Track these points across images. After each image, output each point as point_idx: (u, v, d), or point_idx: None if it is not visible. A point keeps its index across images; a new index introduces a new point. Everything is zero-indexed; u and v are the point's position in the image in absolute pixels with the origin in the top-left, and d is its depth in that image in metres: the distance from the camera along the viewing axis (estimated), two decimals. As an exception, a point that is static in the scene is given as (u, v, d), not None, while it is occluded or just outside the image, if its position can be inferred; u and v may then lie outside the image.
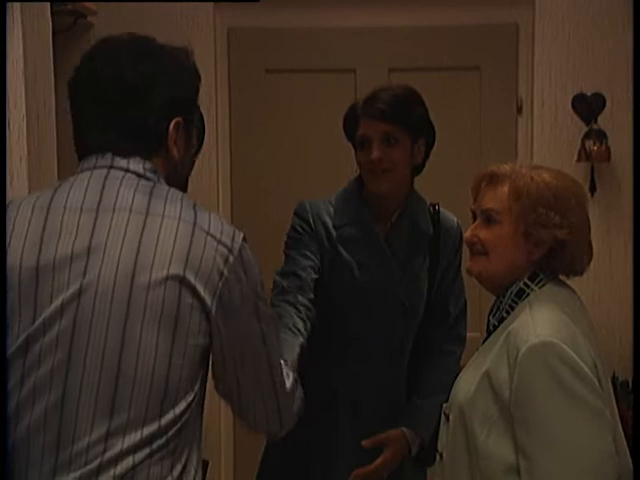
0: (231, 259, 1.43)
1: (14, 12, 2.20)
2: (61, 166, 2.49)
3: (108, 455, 1.36)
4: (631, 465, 1.66)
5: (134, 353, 1.37)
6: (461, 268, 2.32)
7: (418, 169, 2.28)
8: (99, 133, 1.49)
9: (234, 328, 1.44)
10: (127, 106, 1.47)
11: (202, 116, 1.61)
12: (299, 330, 1.99)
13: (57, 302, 1.38)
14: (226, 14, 3.49)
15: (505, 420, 1.59)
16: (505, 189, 1.70)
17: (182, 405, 1.41)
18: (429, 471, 2.30)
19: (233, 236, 1.45)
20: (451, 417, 1.72)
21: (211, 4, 3.44)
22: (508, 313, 1.70)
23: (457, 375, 1.81)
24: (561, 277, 1.75)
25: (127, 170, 1.47)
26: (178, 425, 1.41)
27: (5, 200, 1.83)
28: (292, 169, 3.52)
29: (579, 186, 1.75)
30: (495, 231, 1.70)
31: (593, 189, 3.35)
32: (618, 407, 1.71)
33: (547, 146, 3.41)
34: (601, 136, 3.33)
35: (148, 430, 1.38)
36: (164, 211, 1.42)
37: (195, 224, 1.42)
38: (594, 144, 3.32)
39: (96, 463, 1.36)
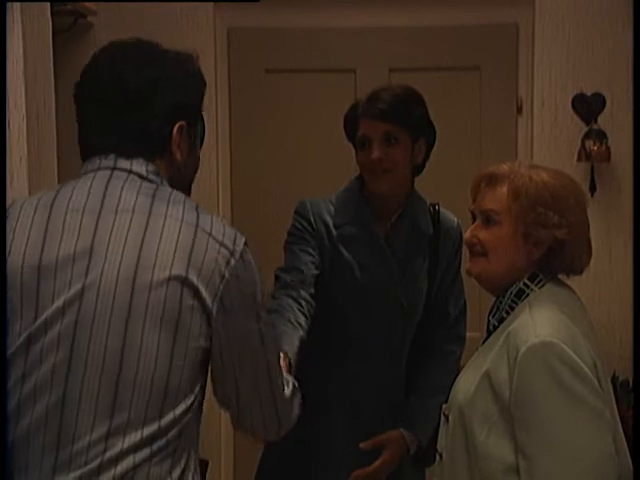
0: (233, 262, 1.43)
1: (14, 12, 2.20)
2: (61, 166, 2.49)
3: (108, 455, 1.36)
4: (631, 465, 1.66)
5: (135, 353, 1.37)
6: (461, 268, 2.32)
7: (418, 169, 2.29)
8: (103, 135, 1.49)
9: (233, 331, 1.44)
10: (131, 110, 1.48)
11: (203, 118, 1.61)
12: (300, 324, 2.00)
13: (59, 302, 1.39)
14: (226, 14, 3.49)
15: (505, 420, 1.59)
16: (504, 189, 1.70)
17: (182, 407, 1.41)
18: (428, 471, 2.30)
19: (235, 239, 1.45)
20: (451, 417, 1.72)
21: (211, 4, 3.44)
22: (508, 313, 1.71)
23: (457, 375, 1.81)
24: (561, 277, 1.75)
25: (130, 172, 1.47)
26: (178, 427, 1.41)
27: (5, 200, 1.83)
28: (292, 169, 3.52)
29: (578, 186, 1.75)
30: (494, 232, 1.70)
31: (593, 189, 3.35)
32: (618, 407, 1.71)
33: (547, 146, 3.41)
34: (601, 136, 3.33)
35: (148, 430, 1.38)
36: (166, 212, 1.43)
37: (197, 226, 1.43)
38: (594, 144, 3.32)
39: (96, 463, 1.36)
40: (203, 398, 1.48)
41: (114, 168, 1.47)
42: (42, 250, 1.41)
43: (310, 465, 2.26)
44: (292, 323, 1.98)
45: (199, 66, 1.58)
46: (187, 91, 1.54)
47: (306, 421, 1.68)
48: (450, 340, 2.35)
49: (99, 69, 1.52)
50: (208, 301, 1.40)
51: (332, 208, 2.27)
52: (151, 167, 1.49)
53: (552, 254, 1.70)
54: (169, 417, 1.40)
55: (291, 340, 1.90)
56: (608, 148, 3.33)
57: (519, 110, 3.49)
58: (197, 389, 1.45)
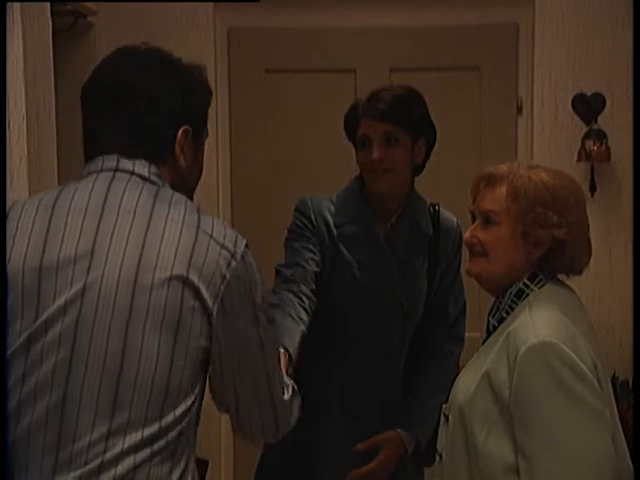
0: (234, 264, 1.43)
1: (14, 12, 2.20)
2: (61, 166, 2.49)
3: (109, 455, 1.36)
4: (631, 465, 1.66)
5: (136, 353, 1.37)
6: (461, 269, 2.32)
7: (418, 169, 2.29)
8: (107, 137, 1.50)
9: (233, 334, 1.45)
10: (136, 112, 1.49)
11: (207, 129, 1.63)
12: (301, 318, 1.99)
13: (60, 301, 1.39)
14: (226, 14, 3.49)
15: (505, 420, 1.59)
16: (503, 190, 1.70)
17: (182, 407, 1.41)
18: (428, 471, 2.30)
19: (236, 241, 1.46)
20: (450, 417, 1.72)
21: (211, 4, 3.44)
22: (508, 313, 1.71)
23: (456, 376, 1.81)
24: (560, 277, 1.75)
25: (132, 173, 1.48)
26: (178, 428, 1.41)
27: (5, 200, 1.83)
28: (292, 169, 3.52)
29: (577, 185, 1.75)
30: (494, 232, 1.70)
31: (593, 189, 3.35)
32: (618, 407, 1.71)
33: (547, 146, 3.41)
34: (601, 136, 3.33)
35: (149, 431, 1.38)
36: (168, 214, 1.43)
37: (199, 227, 1.43)
38: (594, 144, 3.32)
39: (97, 463, 1.36)
40: (202, 399, 1.48)
41: (116, 169, 1.48)
42: (43, 251, 1.41)
43: (309, 465, 2.26)
44: (293, 317, 1.98)
45: (206, 77, 1.60)
46: (193, 97, 1.55)
47: (305, 421, 1.68)
48: (449, 340, 2.35)
49: (107, 71, 1.53)
50: (209, 302, 1.41)
51: (332, 207, 2.27)
52: (153, 169, 1.50)
53: (552, 254, 1.70)
54: (169, 417, 1.40)
55: (292, 335, 1.90)
56: (608, 148, 3.33)
57: (519, 110, 3.49)
58: (197, 390, 1.45)
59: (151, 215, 1.42)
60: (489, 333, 1.75)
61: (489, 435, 1.61)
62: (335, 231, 2.23)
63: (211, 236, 1.43)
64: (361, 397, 2.27)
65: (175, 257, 1.39)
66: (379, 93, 2.20)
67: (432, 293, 2.31)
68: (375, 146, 2.17)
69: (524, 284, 1.70)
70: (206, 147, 1.65)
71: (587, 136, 3.35)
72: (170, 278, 1.38)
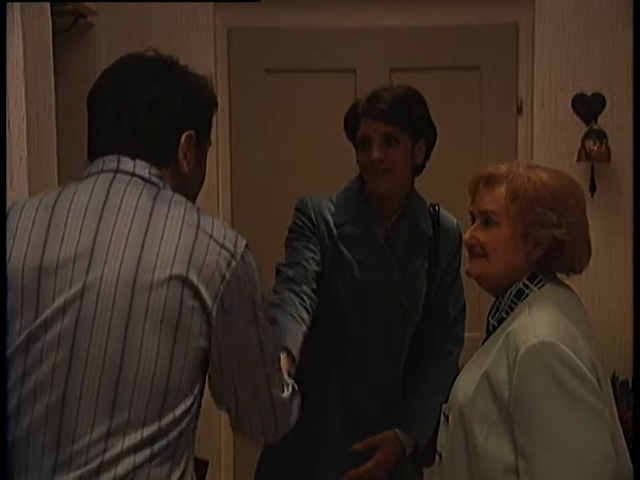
0: (233, 264, 1.43)
1: (14, 12, 2.20)
2: (61, 166, 2.49)
3: (109, 455, 1.36)
4: (630, 465, 1.66)
5: (135, 354, 1.37)
6: (460, 269, 2.32)
7: (418, 169, 2.28)
8: (110, 139, 1.51)
9: (232, 334, 1.45)
10: (141, 116, 1.49)
11: (210, 138, 1.64)
12: (302, 319, 1.99)
13: (59, 301, 1.39)
14: (226, 14, 3.49)
15: (504, 420, 1.59)
16: (502, 190, 1.69)
17: (182, 407, 1.41)
18: (427, 471, 2.30)
19: (236, 241, 1.46)
20: (450, 417, 1.72)
21: (211, 4, 3.44)
22: (507, 314, 1.70)
23: (455, 376, 1.81)
24: (560, 277, 1.75)
25: (133, 174, 1.48)
26: (178, 428, 1.41)
27: (5, 200, 1.83)
28: (292, 169, 3.52)
29: (577, 185, 1.75)
30: (494, 233, 1.70)
31: (593, 189, 3.35)
32: (618, 407, 1.71)
33: (547, 146, 3.41)
34: (601, 136, 3.33)
35: (148, 431, 1.38)
36: (168, 213, 1.43)
37: (199, 227, 1.43)
38: (594, 144, 3.32)
39: (96, 463, 1.36)
40: (201, 399, 1.49)
41: (117, 171, 1.48)
42: (43, 251, 1.41)
43: (309, 465, 2.26)
44: (294, 318, 1.97)
45: (213, 87, 1.62)
46: (199, 104, 1.57)
47: (305, 422, 1.69)
48: (449, 340, 2.35)
49: (109, 76, 1.54)
50: (208, 302, 1.41)
51: (332, 207, 2.27)
52: (154, 170, 1.50)
53: (552, 254, 1.69)
54: (169, 418, 1.40)
55: (294, 336, 1.90)
56: (608, 148, 3.33)
57: (519, 110, 3.49)
58: (197, 390, 1.45)
59: (151, 215, 1.43)
60: (489, 333, 1.75)
61: (489, 435, 1.61)
62: (335, 231, 2.23)
63: (211, 236, 1.43)
64: (361, 397, 2.27)
65: (175, 257, 1.40)
66: (379, 93, 2.20)
67: (432, 293, 2.31)
68: (375, 146, 2.17)
69: (524, 284, 1.70)
70: (207, 148, 1.65)
71: (587, 136, 3.35)
72: (169, 278, 1.38)
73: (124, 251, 1.40)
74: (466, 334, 2.39)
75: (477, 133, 3.49)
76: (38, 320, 1.39)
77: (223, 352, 1.45)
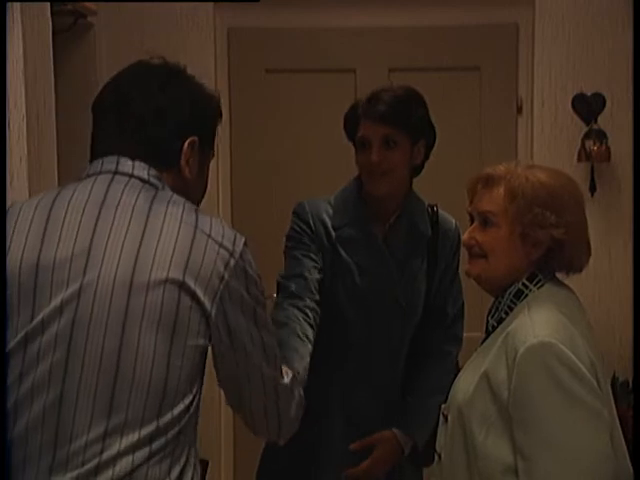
0: (232, 262, 1.44)
1: (14, 12, 2.20)
2: (61, 166, 2.49)
3: (106, 455, 1.36)
4: (630, 465, 1.66)
5: (132, 354, 1.37)
6: (459, 270, 2.32)
7: (417, 170, 2.28)
8: (109, 141, 1.52)
9: (233, 332, 1.45)
10: (145, 121, 1.50)
11: (214, 146, 1.65)
12: (307, 337, 1.99)
13: (56, 301, 1.39)
14: (226, 14, 3.49)
15: (503, 420, 1.59)
16: (501, 190, 1.69)
17: (180, 406, 1.41)
18: (427, 471, 2.30)
19: (234, 240, 1.46)
20: (450, 417, 1.72)
21: (211, 4, 3.44)
22: (507, 314, 1.70)
23: (454, 375, 1.81)
24: (560, 276, 1.75)
25: (131, 175, 1.48)
26: (177, 427, 1.41)
27: (5, 200, 1.83)
28: (292, 169, 3.52)
29: (575, 184, 1.74)
30: (492, 234, 1.70)
31: (593, 189, 3.35)
32: (618, 407, 1.71)
33: (547, 146, 3.42)
34: (601, 136, 3.33)
35: (146, 430, 1.38)
36: (166, 212, 1.43)
37: (196, 227, 1.43)
38: (594, 144, 3.32)
39: (94, 463, 1.36)
40: (200, 397, 1.49)
41: (116, 172, 1.49)
42: (40, 250, 1.41)
43: (310, 467, 2.26)
44: (300, 337, 1.96)
45: (219, 99, 1.63)
46: (205, 114, 1.58)
47: (306, 424, 1.69)
48: (448, 340, 2.35)
49: (115, 84, 1.55)
50: (207, 304, 1.41)
51: (330, 209, 2.26)
52: (153, 171, 1.50)
53: (551, 254, 1.69)
54: (167, 417, 1.40)
55: (302, 358, 1.89)
56: (608, 148, 3.33)
57: (519, 110, 3.49)
58: (195, 389, 1.45)
59: (148, 215, 1.43)
60: (488, 333, 1.75)
61: (488, 435, 1.61)
62: (333, 234, 2.23)
63: (209, 235, 1.43)
64: (361, 398, 2.26)
65: (172, 258, 1.40)
66: (379, 94, 2.19)
67: (431, 294, 2.30)
68: (374, 149, 2.16)
69: (523, 284, 1.70)
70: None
71: (587, 136, 3.35)
72: (166, 281, 1.38)
73: (121, 251, 1.40)
74: (466, 334, 2.39)
75: (477, 133, 3.49)
76: (35, 320, 1.39)
77: (225, 350, 1.45)
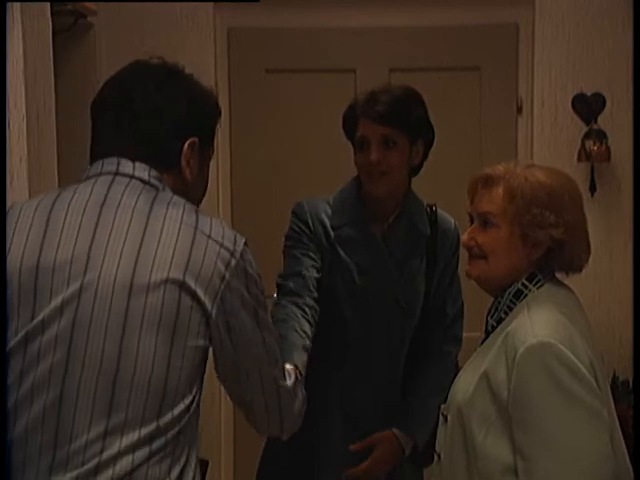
0: (233, 263, 1.44)
1: (14, 12, 2.20)
2: (61, 166, 2.49)
3: (106, 455, 1.36)
4: (629, 465, 1.67)
5: (132, 355, 1.38)
6: (458, 269, 2.32)
7: (416, 170, 2.28)
8: (109, 143, 1.52)
9: (234, 332, 1.45)
10: (144, 121, 1.50)
11: (213, 146, 1.65)
12: (305, 332, 2.00)
13: (56, 301, 1.39)
14: (226, 14, 3.49)
15: (503, 420, 1.59)
16: (500, 191, 1.69)
17: (181, 406, 1.41)
18: (426, 471, 2.30)
19: (235, 240, 1.46)
20: (449, 417, 1.72)
21: (211, 4, 3.44)
22: (506, 314, 1.70)
23: (454, 376, 1.81)
24: (560, 276, 1.75)
25: (132, 177, 1.49)
26: (177, 427, 1.41)
27: (5, 200, 1.83)
28: (292, 169, 3.52)
29: (574, 184, 1.74)
30: (492, 234, 1.70)
31: (593, 189, 3.35)
32: (618, 407, 1.71)
33: (547, 146, 3.42)
34: (601, 136, 3.33)
35: (146, 430, 1.38)
36: (166, 213, 1.44)
37: (197, 228, 1.43)
38: (594, 144, 3.32)
39: (94, 462, 1.36)
40: (201, 396, 1.49)
41: (116, 173, 1.49)
42: (40, 251, 1.41)
43: (310, 467, 2.26)
44: (298, 332, 1.97)
45: (217, 97, 1.63)
46: (203, 112, 1.58)
47: (306, 425, 1.68)
48: (447, 340, 2.35)
49: (113, 83, 1.55)
50: (207, 305, 1.41)
51: (329, 209, 2.26)
52: (153, 172, 1.50)
53: (551, 254, 1.69)
54: (167, 417, 1.40)
55: (300, 353, 1.89)
56: (608, 148, 3.33)
57: (519, 110, 3.49)
58: (195, 389, 1.45)
59: (149, 217, 1.43)
60: (488, 333, 1.75)
61: (488, 435, 1.61)
62: (332, 233, 2.23)
63: (209, 236, 1.43)
64: (361, 398, 2.26)
65: (172, 259, 1.40)
66: (377, 94, 2.19)
67: (430, 294, 2.31)
68: (373, 149, 2.16)
69: (522, 284, 1.70)
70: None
71: (587, 136, 3.35)
72: (166, 281, 1.39)
73: (121, 252, 1.40)
74: (465, 334, 2.39)
75: (477, 133, 3.49)
76: (35, 320, 1.39)
77: (226, 349, 1.45)
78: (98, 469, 1.36)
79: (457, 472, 1.68)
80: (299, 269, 2.15)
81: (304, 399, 1.62)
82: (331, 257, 2.22)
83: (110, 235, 1.41)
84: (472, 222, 1.76)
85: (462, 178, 1.87)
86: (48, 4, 2.41)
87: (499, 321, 1.72)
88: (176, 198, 1.49)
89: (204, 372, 1.48)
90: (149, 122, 1.50)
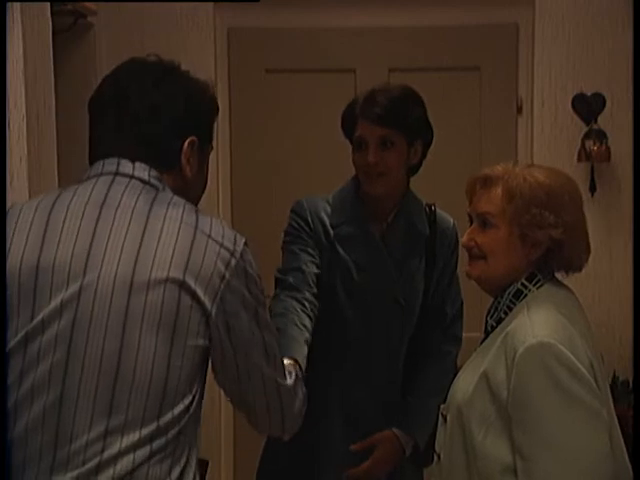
0: (233, 262, 1.44)
1: (14, 12, 2.20)
2: (61, 166, 2.49)
3: (107, 455, 1.37)
4: (629, 465, 1.67)
5: (132, 354, 1.38)
6: (458, 269, 2.32)
7: (414, 169, 2.28)
8: (109, 143, 1.52)
9: (234, 332, 1.45)
10: (143, 120, 1.50)
11: (212, 144, 1.64)
12: (305, 326, 2.00)
13: (56, 301, 1.39)
14: (226, 14, 3.49)
15: (502, 420, 1.59)
16: (499, 191, 1.69)
17: (181, 406, 1.42)
18: (426, 471, 2.30)
19: (235, 240, 1.46)
20: (449, 417, 1.72)
21: (211, 4, 3.44)
22: (506, 314, 1.71)
23: (454, 376, 1.81)
24: (559, 276, 1.75)
25: (132, 177, 1.49)
26: (177, 427, 1.41)
27: (5, 200, 1.83)
28: (292, 169, 3.52)
29: (573, 183, 1.74)
30: (491, 235, 1.70)
31: (593, 189, 3.35)
32: (618, 407, 1.71)
33: (547, 146, 3.42)
34: (601, 136, 3.33)
35: (147, 430, 1.38)
36: (166, 213, 1.44)
37: (197, 228, 1.43)
38: (594, 144, 3.32)
39: (94, 462, 1.36)
40: (202, 397, 1.49)
41: (116, 173, 1.49)
42: (40, 251, 1.42)
43: (310, 468, 2.26)
44: (298, 326, 1.98)
45: (214, 92, 1.62)
46: (200, 109, 1.57)
47: (306, 425, 1.68)
48: (447, 340, 2.35)
49: (110, 81, 1.55)
50: (207, 304, 1.41)
51: (328, 208, 2.26)
52: (154, 172, 1.50)
53: (550, 254, 1.69)
54: (167, 417, 1.40)
55: (300, 347, 1.90)
56: (608, 148, 3.33)
57: (519, 110, 3.49)
58: (195, 389, 1.45)
59: (148, 217, 1.43)
60: (487, 333, 1.75)
61: (487, 435, 1.61)
62: (331, 231, 2.23)
63: (209, 236, 1.43)
64: (361, 398, 2.26)
65: (172, 258, 1.40)
66: (376, 95, 2.19)
67: (429, 293, 2.31)
68: (371, 150, 2.16)
69: (522, 285, 1.70)
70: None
71: (587, 136, 3.35)
72: (166, 280, 1.39)
73: (121, 252, 1.40)
74: (465, 334, 2.39)
75: (477, 133, 3.49)
76: (35, 320, 1.39)
77: (226, 350, 1.45)
78: (99, 469, 1.36)
79: (457, 472, 1.69)
80: (298, 264, 2.15)
81: (304, 397, 1.62)
82: (330, 255, 2.22)
83: (110, 235, 1.41)
84: (471, 222, 1.76)
85: (462, 178, 1.87)
86: (48, 4, 2.41)
87: (499, 321, 1.72)
88: (176, 198, 1.49)
89: (205, 373, 1.48)
90: (148, 122, 1.50)
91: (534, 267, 1.70)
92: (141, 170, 1.49)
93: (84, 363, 1.38)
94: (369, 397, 2.27)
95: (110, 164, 1.50)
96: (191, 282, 1.39)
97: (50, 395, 1.38)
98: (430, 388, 2.24)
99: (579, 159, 3.34)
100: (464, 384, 1.69)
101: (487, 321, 1.76)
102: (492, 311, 1.75)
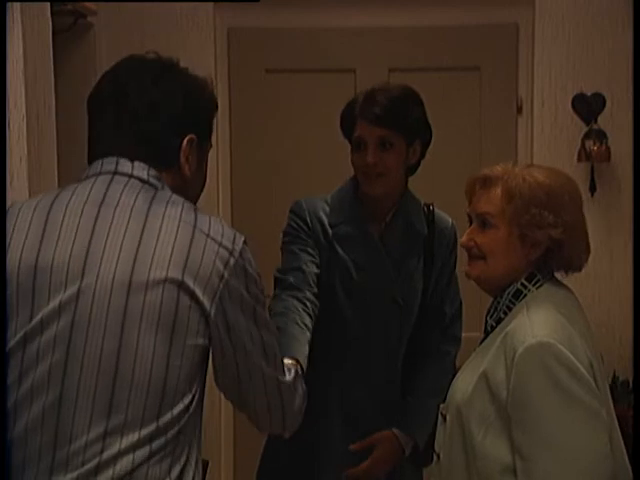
0: (232, 261, 1.44)
1: (14, 12, 2.20)
2: (61, 166, 2.49)
3: (106, 455, 1.36)
4: (628, 465, 1.67)
5: (131, 355, 1.38)
6: (456, 268, 2.32)
7: (412, 169, 2.28)
8: (108, 141, 1.51)
9: (234, 332, 1.45)
10: (142, 118, 1.50)
11: (211, 141, 1.64)
12: (306, 325, 2.00)
13: (55, 302, 1.39)
14: (226, 14, 3.49)
15: (502, 420, 1.59)
16: (498, 191, 1.69)
17: (180, 406, 1.41)
18: (426, 471, 2.30)
19: (234, 239, 1.46)
20: (448, 417, 1.72)
21: (211, 4, 3.44)
22: (505, 314, 1.71)
23: (453, 376, 1.81)
24: (559, 276, 1.75)
25: (131, 176, 1.49)
26: (177, 426, 1.41)
27: (5, 200, 1.83)
28: (292, 169, 3.52)
29: (573, 183, 1.74)
30: (491, 235, 1.70)
31: (593, 189, 3.35)
32: (618, 407, 1.71)
33: (547, 146, 3.42)
34: (601, 136, 3.33)
35: (146, 430, 1.38)
36: (164, 212, 1.43)
37: (195, 227, 1.43)
38: (594, 144, 3.32)
39: (94, 463, 1.36)
40: (203, 396, 1.49)
41: (115, 172, 1.49)
42: (39, 251, 1.41)
43: (310, 467, 2.26)
44: (299, 325, 1.98)
45: (213, 89, 1.62)
46: (199, 106, 1.57)
47: (306, 425, 1.68)
48: (446, 340, 2.35)
49: (109, 79, 1.55)
50: (206, 304, 1.41)
51: (327, 207, 2.26)
52: (152, 172, 1.50)
53: (550, 254, 1.69)
54: (167, 417, 1.40)
55: (301, 346, 1.90)
56: (608, 148, 3.33)
57: (519, 110, 3.49)
58: (195, 388, 1.45)
59: (147, 216, 1.43)
60: (487, 333, 1.75)
61: (486, 435, 1.61)
62: (330, 231, 2.23)
63: (208, 235, 1.43)
64: (360, 398, 2.26)
65: (171, 258, 1.40)
66: (375, 95, 2.19)
67: (428, 293, 2.31)
68: (370, 150, 2.16)
69: (522, 284, 1.70)
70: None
71: (587, 136, 3.35)
72: (165, 280, 1.39)
73: (120, 252, 1.40)
74: (465, 334, 2.39)
75: (477, 133, 3.49)
76: (34, 321, 1.39)
77: (226, 349, 1.45)
78: (98, 469, 1.36)
79: (456, 472, 1.69)
80: (298, 264, 2.15)
81: (304, 394, 1.62)
82: (329, 255, 2.22)
83: (108, 234, 1.41)
84: (471, 223, 1.76)
85: (462, 178, 1.87)
86: (48, 4, 2.41)
87: (498, 321, 1.72)
88: (175, 197, 1.49)
89: (205, 372, 1.48)
90: (147, 121, 1.50)
91: (534, 267, 1.70)
92: (140, 169, 1.49)
93: (83, 363, 1.38)
94: (368, 396, 2.27)
95: (109, 163, 1.49)
96: (190, 282, 1.39)
97: (49, 395, 1.38)
98: (429, 388, 2.24)
99: (579, 159, 3.34)
100: (463, 384, 1.69)
101: (487, 321, 1.76)
102: (491, 311, 1.75)
